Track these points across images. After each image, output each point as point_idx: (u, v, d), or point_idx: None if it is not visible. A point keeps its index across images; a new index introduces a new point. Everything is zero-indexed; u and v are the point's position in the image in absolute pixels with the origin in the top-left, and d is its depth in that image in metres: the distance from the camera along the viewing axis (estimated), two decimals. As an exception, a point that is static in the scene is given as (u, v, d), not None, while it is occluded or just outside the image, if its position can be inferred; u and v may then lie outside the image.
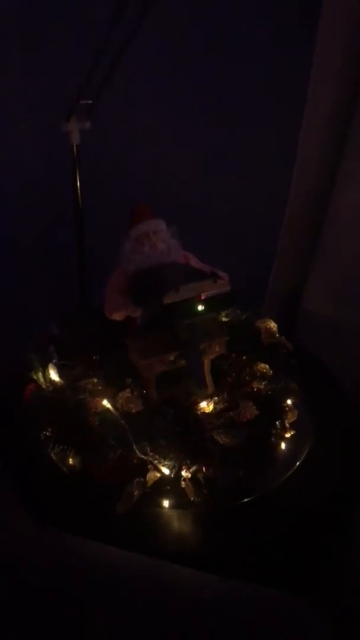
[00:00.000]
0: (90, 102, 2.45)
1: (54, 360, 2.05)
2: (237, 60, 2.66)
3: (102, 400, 1.90)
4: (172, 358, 1.91)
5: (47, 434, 1.90)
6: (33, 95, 3.01)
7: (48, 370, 2.02)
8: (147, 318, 1.90)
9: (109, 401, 1.90)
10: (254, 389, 1.99)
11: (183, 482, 1.77)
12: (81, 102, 2.43)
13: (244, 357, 2.13)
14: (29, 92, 3.00)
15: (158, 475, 1.79)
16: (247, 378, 2.06)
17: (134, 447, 1.79)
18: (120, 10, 1.88)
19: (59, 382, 1.99)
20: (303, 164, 2.52)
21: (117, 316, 1.96)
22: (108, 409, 1.89)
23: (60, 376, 2.00)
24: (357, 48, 2.14)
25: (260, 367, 2.07)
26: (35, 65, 2.93)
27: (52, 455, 1.90)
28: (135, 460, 1.79)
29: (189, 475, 1.76)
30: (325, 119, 2.34)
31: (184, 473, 1.77)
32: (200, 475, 1.76)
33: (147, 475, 1.78)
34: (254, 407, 1.88)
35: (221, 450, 1.78)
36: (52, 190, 3.12)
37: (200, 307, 1.76)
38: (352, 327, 2.62)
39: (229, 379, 2.05)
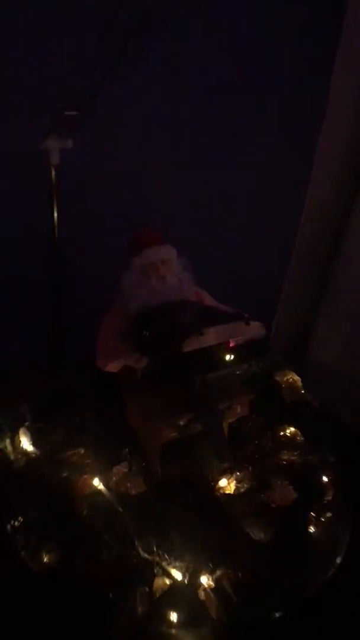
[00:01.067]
0: (76, 113, 2.04)
1: (27, 423, 1.59)
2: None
3: (92, 478, 1.45)
4: (183, 422, 1.48)
5: (15, 523, 1.42)
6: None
7: (19, 437, 1.56)
8: (154, 370, 1.48)
9: (100, 480, 1.45)
10: (282, 460, 1.57)
11: (202, 592, 1.31)
12: (65, 113, 2.03)
13: (265, 419, 1.71)
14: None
15: (168, 582, 1.32)
16: (271, 445, 1.64)
17: (136, 543, 1.33)
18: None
19: (33, 452, 1.53)
20: (313, 206, 2.22)
21: (113, 367, 1.53)
22: (100, 490, 1.43)
23: (35, 444, 1.54)
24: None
25: (288, 433, 1.66)
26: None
27: (22, 553, 1.41)
28: (135, 561, 1.33)
29: (211, 584, 1.30)
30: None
31: (203, 580, 1.31)
32: (226, 583, 1.31)
33: (154, 583, 1.32)
34: (291, 487, 1.45)
35: (252, 547, 1.34)
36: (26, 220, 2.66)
37: (228, 357, 1.34)
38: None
39: (251, 447, 1.62)
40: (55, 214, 2.19)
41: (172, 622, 1.31)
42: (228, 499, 1.46)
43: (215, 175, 2.45)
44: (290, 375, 1.88)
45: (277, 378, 1.88)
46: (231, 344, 1.35)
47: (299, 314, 2.54)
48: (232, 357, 1.34)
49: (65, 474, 1.44)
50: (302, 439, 1.67)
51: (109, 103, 2.07)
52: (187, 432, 1.50)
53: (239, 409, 1.58)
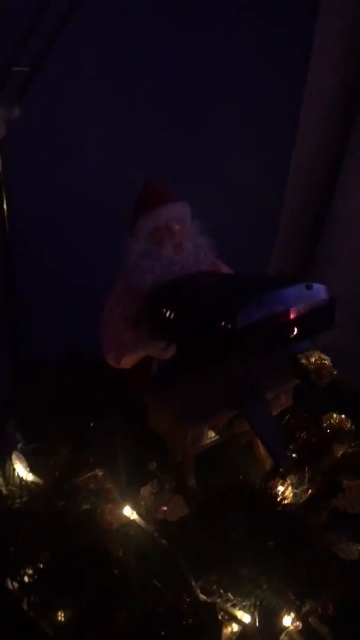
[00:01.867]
0: (27, 69, 1.68)
1: (19, 445, 1.23)
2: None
3: (120, 507, 1.10)
4: (225, 421, 1.17)
5: (25, 579, 1.06)
6: None
7: (11, 464, 1.19)
8: (183, 359, 1.16)
9: (131, 507, 1.11)
10: (337, 454, 1.29)
11: (285, 638, 1.00)
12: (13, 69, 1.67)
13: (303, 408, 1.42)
14: None
15: (236, 628, 1.01)
16: (319, 438, 1.35)
17: (193, 584, 1.01)
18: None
19: (34, 481, 1.17)
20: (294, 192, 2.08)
21: (129, 362, 1.20)
22: (133, 521, 1.09)
23: (34, 471, 1.18)
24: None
25: (334, 421, 1.39)
26: None
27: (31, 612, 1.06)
28: (194, 607, 1.01)
29: (298, 624, 1.00)
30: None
31: (286, 621, 1.00)
32: (316, 621, 1.01)
33: (221, 633, 1.00)
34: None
35: (343, 569, 1.05)
36: None
37: (294, 331, 1.04)
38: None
39: (299, 442, 1.33)
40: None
41: None
42: (293, 511, 1.16)
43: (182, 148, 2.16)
44: (317, 356, 1.61)
45: (303, 361, 1.61)
46: (292, 315, 1.04)
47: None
48: (296, 331, 1.04)
49: (86, 506, 1.08)
50: (352, 425, 1.40)
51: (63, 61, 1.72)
52: (230, 433, 1.19)
53: (283, 399, 1.29)
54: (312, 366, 1.59)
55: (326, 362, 1.60)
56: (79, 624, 1.04)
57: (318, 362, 1.60)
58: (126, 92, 2.06)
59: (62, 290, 2.10)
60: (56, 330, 1.85)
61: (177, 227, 1.23)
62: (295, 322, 1.05)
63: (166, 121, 2.08)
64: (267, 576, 1.04)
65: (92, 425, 1.35)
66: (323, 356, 1.60)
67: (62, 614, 1.06)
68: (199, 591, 1.04)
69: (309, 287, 1.08)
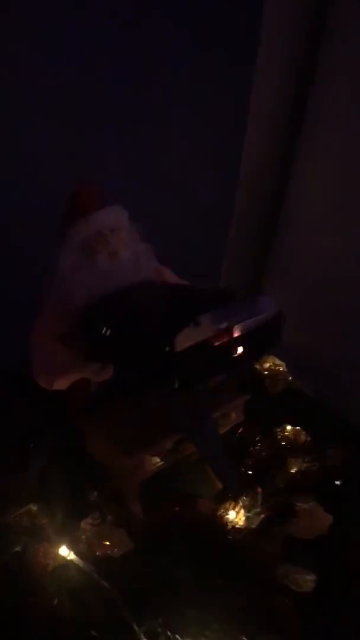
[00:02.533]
0: None
1: None
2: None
3: (56, 547, 1.00)
4: (170, 445, 1.08)
5: None
6: None
7: None
8: (123, 381, 1.06)
9: (69, 546, 1.01)
10: (291, 471, 1.22)
11: None
12: None
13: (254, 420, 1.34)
14: None
15: None
16: (272, 452, 1.28)
17: (136, 630, 0.93)
18: None
19: None
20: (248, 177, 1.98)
21: (63, 384, 1.10)
22: (70, 561, 1.00)
23: None
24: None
25: (288, 433, 1.31)
26: None
27: None
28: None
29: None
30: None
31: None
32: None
33: None
34: (321, 508, 1.10)
35: (296, 602, 0.98)
36: None
37: (239, 350, 0.95)
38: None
39: (250, 459, 1.25)
40: None
41: None
42: (244, 538, 1.08)
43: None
44: (272, 362, 1.53)
45: (257, 367, 1.53)
46: (235, 334, 0.95)
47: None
48: (241, 350, 0.95)
49: (17, 548, 0.98)
50: (308, 438, 1.33)
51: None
52: (175, 458, 1.10)
53: (233, 416, 1.21)
54: (266, 372, 1.51)
55: (281, 368, 1.52)
56: None
57: (272, 368, 1.52)
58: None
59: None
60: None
61: (112, 234, 1.12)
62: (239, 340, 0.96)
63: (107, 118, 1.92)
64: (217, 616, 0.97)
65: (25, 456, 1.24)
66: (277, 362, 1.53)
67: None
68: (142, 637, 0.95)
69: (254, 301, 0.99)
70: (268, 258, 2.13)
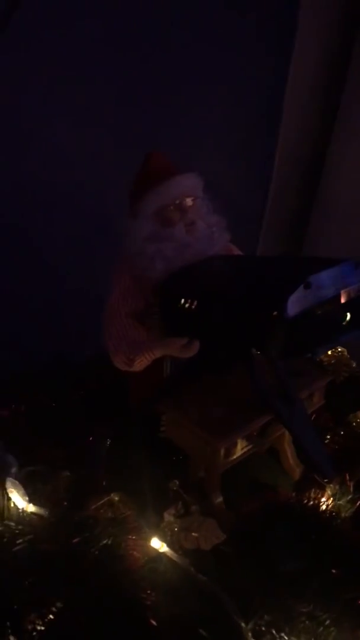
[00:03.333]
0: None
1: (13, 470, 1.02)
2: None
3: (147, 539, 0.91)
4: (258, 429, 1.00)
5: (32, 634, 0.86)
6: None
7: (5, 493, 0.99)
8: (208, 358, 0.98)
9: (159, 538, 0.92)
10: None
11: None
12: None
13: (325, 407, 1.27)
14: None
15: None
16: (351, 440, 1.20)
17: (243, 627, 0.84)
18: None
19: (37, 513, 0.96)
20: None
21: (143, 363, 1.01)
22: (163, 554, 0.91)
23: (34, 500, 0.98)
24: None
25: (365, 419, 1.24)
26: None
27: None
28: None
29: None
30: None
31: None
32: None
33: None
34: None
35: None
36: None
37: (347, 317, 0.88)
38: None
39: (329, 445, 1.18)
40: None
41: None
42: (341, 524, 1.00)
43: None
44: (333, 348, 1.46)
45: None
46: (343, 299, 0.88)
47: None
48: (349, 317, 0.88)
49: (105, 541, 0.89)
50: None
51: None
52: (264, 441, 1.02)
53: (316, 398, 1.13)
54: (329, 360, 1.44)
55: (344, 353, 1.45)
56: None
57: (335, 354, 1.45)
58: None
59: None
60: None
61: (190, 203, 1.05)
62: (347, 306, 0.89)
63: (139, 111, 1.87)
64: (330, 611, 0.88)
65: (91, 439, 1.16)
66: (339, 347, 1.45)
67: None
68: (250, 635, 0.86)
69: (357, 266, 0.92)
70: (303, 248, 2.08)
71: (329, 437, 1.23)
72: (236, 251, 1.19)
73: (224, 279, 0.96)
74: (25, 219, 1.66)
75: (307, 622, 0.87)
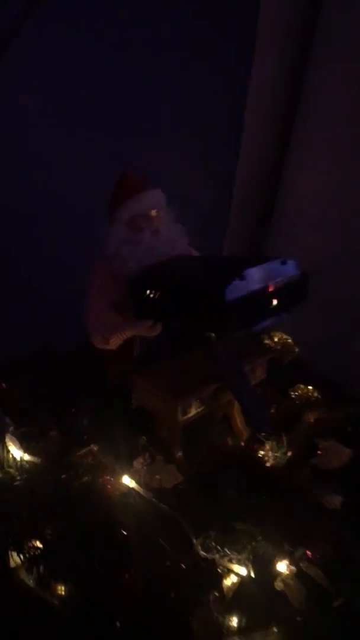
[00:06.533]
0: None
1: (10, 428, 1.26)
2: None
3: (118, 477, 1.16)
4: (210, 393, 1.26)
5: (31, 553, 1.10)
6: None
7: (5, 446, 1.23)
8: (169, 336, 1.24)
9: (130, 477, 1.17)
10: (310, 420, 1.41)
11: (280, 583, 1.10)
12: None
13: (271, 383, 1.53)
14: None
15: (236, 579, 1.10)
16: (290, 409, 1.47)
17: (194, 542, 1.09)
18: None
19: (30, 460, 1.21)
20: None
21: (116, 342, 1.27)
22: (133, 489, 1.16)
23: (28, 451, 1.22)
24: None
25: (303, 391, 1.50)
26: None
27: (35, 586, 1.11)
28: (184, 566, 1.09)
29: (293, 568, 1.09)
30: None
31: (281, 567, 1.10)
32: (308, 565, 1.11)
33: (223, 584, 1.08)
34: (337, 444, 1.29)
35: (330, 518, 1.15)
36: None
37: (274, 302, 1.14)
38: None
39: (272, 412, 1.44)
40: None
41: (245, 626, 1.08)
42: (277, 472, 1.26)
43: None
44: (280, 336, 1.72)
45: (267, 341, 1.72)
46: (270, 289, 1.14)
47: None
48: (275, 303, 1.14)
49: (86, 478, 1.14)
50: (318, 396, 1.52)
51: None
52: (215, 403, 1.28)
53: (258, 372, 1.39)
54: (276, 345, 1.70)
55: (289, 340, 1.71)
56: (85, 592, 1.09)
57: (281, 341, 1.71)
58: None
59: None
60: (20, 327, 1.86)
61: (155, 214, 1.31)
62: (273, 294, 1.15)
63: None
64: (261, 529, 1.13)
65: (74, 410, 1.41)
66: (285, 336, 1.72)
67: (63, 588, 1.11)
68: (199, 548, 1.11)
69: (283, 263, 1.18)
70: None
71: (273, 409, 1.49)
72: (194, 252, 1.45)
73: (180, 274, 1.22)
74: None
75: (243, 538, 1.13)
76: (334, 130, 1.85)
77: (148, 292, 1.21)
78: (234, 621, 1.08)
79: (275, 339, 1.72)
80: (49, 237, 1.85)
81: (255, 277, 1.12)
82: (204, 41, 2.07)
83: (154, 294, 1.20)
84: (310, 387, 1.53)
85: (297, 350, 1.71)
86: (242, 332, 1.23)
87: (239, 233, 2.33)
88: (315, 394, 1.52)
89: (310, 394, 1.52)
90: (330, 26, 1.84)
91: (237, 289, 1.09)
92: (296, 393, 1.53)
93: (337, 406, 1.50)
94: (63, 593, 1.12)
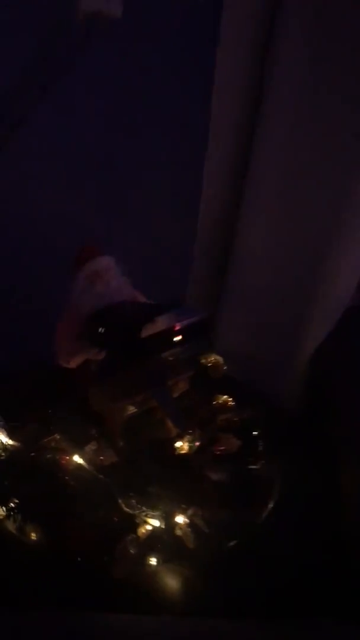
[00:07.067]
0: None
1: (1, 423, 1.81)
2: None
3: (72, 456, 1.70)
4: (140, 399, 1.79)
5: (10, 505, 1.64)
6: None
7: (-4, 434, 1.77)
8: (109, 360, 1.77)
9: (80, 455, 1.71)
10: (222, 421, 1.93)
11: (178, 530, 1.62)
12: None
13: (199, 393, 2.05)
14: None
15: (149, 528, 1.62)
16: (209, 413, 1.99)
17: (120, 502, 1.62)
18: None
19: (13, 445, 1.75)
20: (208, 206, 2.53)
21: (75, 363, 1.80)
22: (80, 464, 1.69)
23: (12, 438, 1.76)
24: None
25: (221, 401, 2.02)
26: None
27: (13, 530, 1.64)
28: (116, 519, 1.62)
29: (187, 520, 1.62)
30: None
31: (179, 519, 1.62)
32: (197, 518, 1.63)
33: (139, 532, 1.61)
34: (233, 438, 1.81)
35: (214, 487, 1.68)
36: None
37: (177, 337, 1.67)
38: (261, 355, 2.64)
39: (194, 416, 1.96)
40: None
41: (157, 560, 1.61)
42: (187, 457, 1.78)
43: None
44: (213, 357, 2.24)
45: (202, 360, 2.24)
46: (176, 327, 1.67)
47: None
48: (180, 337, 1.67)
49: (49, 456, 1.68)
50: (233, 403, 2.03)
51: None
52: (143, 407, 1.81)
53: (181, 385, 1.91)
54: (209, 363, 2.22)
55: (219, 361, 2.22)
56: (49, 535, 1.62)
57: (213, 360, 2.23)
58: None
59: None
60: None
61: (104, 272, 1.85)
62: (179, 332, 1.68)
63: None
64: (169, 495, 1.66)
65: (50, 411, 1.94)
66: (217, 357, 2.23)
67: (35, 534, 1.65)
68: (123, 506, 1.64)
69: (188, 309, 1.71)
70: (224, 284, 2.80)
71: (196, 413, 2.00)
72: (139, 296, 1.98)
73: (118, 317, 1.75)
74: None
75: (156, 499, 1.65)
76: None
77: (97, 328, 1.75)
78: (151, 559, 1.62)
79: (209, 359, 2.23)
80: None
81: (167, 318, 1.66)
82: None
83: (100, 330, 1.74)
84: (226, 397, 2.04)
85: (225, 367, 2.22)
86: (168, 355, 1.74)
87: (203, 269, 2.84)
88: (229, 401, 2.03)
89: (225, 401, 2.03)
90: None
91: (150, 329, 1.62)
92: (216, 402, 2.04)
93: (245, 409, 2.02)
94: (34, 536, 1.65)
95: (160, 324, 1.64)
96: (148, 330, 1.61)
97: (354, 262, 2.37)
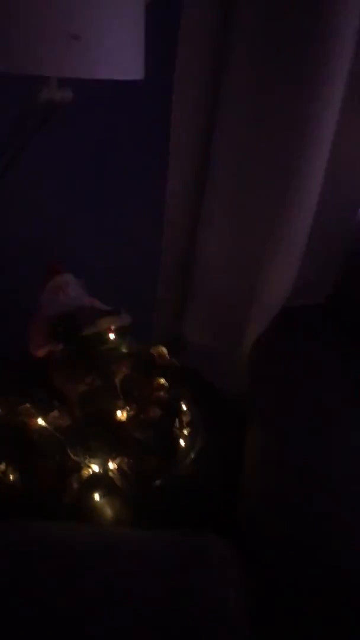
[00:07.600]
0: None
1: (-9, 397, 2.47)
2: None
3: (37, 419, 2.36)
4: (89, 380, 2.44)
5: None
6: None
7: (-15, 405, 2.44)
8: (66, 351, 2.42)
9: (43, 419, 2.37)
10: (154, 397, 2.56)
11: (111, 473, 2.26)
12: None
13: (142, 376, 2.68)
14: None
15: (90, 471, 2.27)
16: (148, 391, 2.61)
17: (69, 452, 2.27)
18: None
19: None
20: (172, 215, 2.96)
21: (41, 352, 2.46)
22: (43, 426, 2.35)
23: (-2, 408, 2.43)
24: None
25: (159, 381, 2.65)
26: None
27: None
28: (70, 463, 2.27)
29: (116, 466, 2.26)
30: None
31: (111, 465, 2.27)
32: (124, 466, 2.27)
33: (82, 474, 2.26)
34: (157, 409, 2.44)
35: (137, 443, 2.32)
36: None
37: (111, 336, 2.32)
38: (223, 349, 3.24)
39: (136, 393, 2.59)
40: None
41: (97, 496, 2.26)
42: (123, 423, 2.42)
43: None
44: (160, 348, 2.86)
45: (151, 351, 2.87)
46: (111, 328, 2.31)
47: (172, 314, 3.44)
48: (113, 336, 2.31)
49: (22, 419, 2.34)
50: (166, 385, 2.66)
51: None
52: (92, 386, 2.45)
53: (123, 370, 2.55)
54: (155, 353, 2.84)
55: (163, 351, 2.83)
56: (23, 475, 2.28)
57: (159, 351, 2.84)
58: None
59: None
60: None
61: (65, 286, 2.49)
62: (113, 332, 2.32)
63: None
64: (105, 448, 2.30)
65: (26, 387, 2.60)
66: (163, 348, 2.83)
67: (12, 475, 2.31)
68: (72, 455, 2.30)
69: (122, 313, 2.35)
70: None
71: (138, 391, 2.64)
72: (96, 303, 2.61)
73: (71, 319, 2.39)
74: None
75: (97, 451, 2.30)
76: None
77: (58, 327, 2.40)
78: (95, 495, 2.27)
79: (156, 350, 2.86)
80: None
81: (101, 323, 2.30)
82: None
83: (60, 329, 2.39)
84: (162, 380, 2.67)
85: (167, 357, 2.83)
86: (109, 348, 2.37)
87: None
88: (163, 382, 2.65)
89: (159, 382, 2.66)
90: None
91: (89, 329, 2.27)
92: (155, 383, 2.67)
93: (177, 388, 2.64)
94: (12, 477, 2.32)
95: (98, 325, 2.28)
96: (88, 330, 2.25)
97: (289, 270, 2.94)
